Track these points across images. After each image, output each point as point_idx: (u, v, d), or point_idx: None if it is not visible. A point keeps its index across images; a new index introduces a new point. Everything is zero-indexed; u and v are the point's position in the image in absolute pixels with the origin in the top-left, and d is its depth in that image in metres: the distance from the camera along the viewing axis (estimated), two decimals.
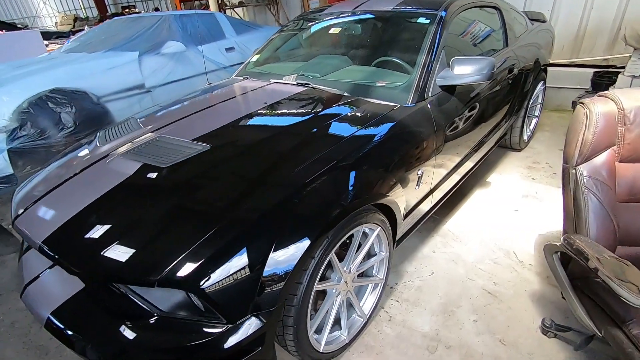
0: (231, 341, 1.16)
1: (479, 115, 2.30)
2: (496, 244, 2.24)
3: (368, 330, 1.74)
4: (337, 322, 1.60)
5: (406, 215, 1.84)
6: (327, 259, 1.35)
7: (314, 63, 2.40)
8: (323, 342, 1.47)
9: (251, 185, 1.33)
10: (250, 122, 1.75)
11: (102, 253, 1.15)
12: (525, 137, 3.39)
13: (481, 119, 2.35)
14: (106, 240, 1.18)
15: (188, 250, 1.12)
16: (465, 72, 1.88)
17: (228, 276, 1.12)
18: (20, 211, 1.39)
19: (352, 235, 1.50)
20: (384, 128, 1.66)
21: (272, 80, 2.27)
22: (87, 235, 1.21)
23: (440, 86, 1.95)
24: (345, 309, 1.58)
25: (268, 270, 1.17)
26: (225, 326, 1.16)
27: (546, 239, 2.26)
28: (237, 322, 1.17)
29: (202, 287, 1.10)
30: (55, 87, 2.75)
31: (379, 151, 1.58)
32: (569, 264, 1.37)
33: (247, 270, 1.15)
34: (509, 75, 2.62)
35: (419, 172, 1.78)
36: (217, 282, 1.11)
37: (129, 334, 1.16)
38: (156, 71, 3.40)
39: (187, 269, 1.10)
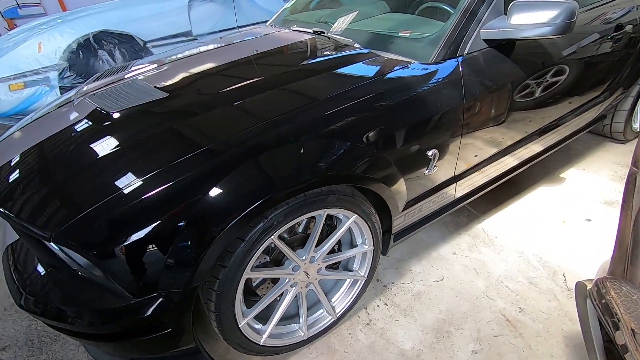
0: (134, 315, 1.02)
1: (553, 86, 1.70)
2: (541, 259, 1.72)
3: (338, 329, 1.48)
4: (299, 313, 1.38)
5: (409, 205, 1.47)
6: (266, 243, 1.10)
7: (346, 10, 2.01)
8: (265, 335, 1.27)
9: (192, 139, 1.12)
10: (226, 70, 1.51)
11: (15, 200, 1.08)
12: (636, 126, 2.54)
13: (556, 92, 1.74)
14: (22, 188, 1.11)
15: (88, 209, 0.97)
16: (527, 21, 1.34)
17: (130, 244, 0.96)
18: None
19: (314, 218, 1.22)
20: (385, 90, 1.28)
21: (290, 29, 1.96)
22: (10, 182, 1.15)
23: (486, 40, 1.44)
24: (304, 302, 1.34)
25: (180, 244, 0.98)
26: (131, 299, 1.02)
27: None
28: (142, 298, 1.02)
29: (96, 253, 0.96)
30: (103, 30, 2.84)
31: (368, 119, 1.22)
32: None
33: (156, 240, 0.97)
34: (616, 34, 1.88)
35: (431, 153, 1.36)
36: (117, 249, 0.96)
37: (45, 280, 1.11)
38: (205, 18, 3.31)
39: (84, 230, 0.97)
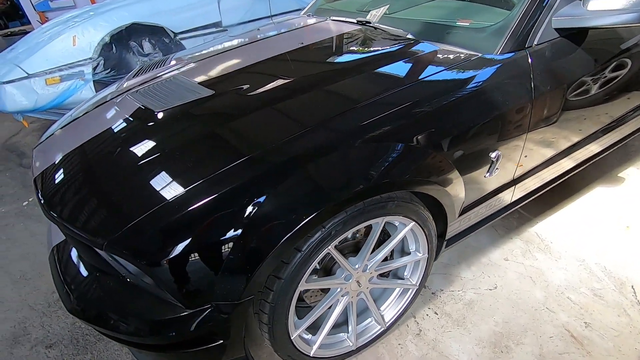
0: (186, 327, 0.98)
1: (626, 79, 1.54)
2: (605, 269, 1.59)
3: (387, 339, 1.41)
4: (347, 321, 1.31)
5: (465, 210, 1.36)
6: (323, 253, 1.03)
7: None
8: (315, 346, 1.21)
9: (242, 144, 1.05)
10: (272, 66, 1.43)
11: (63, 204, 1.05)
12: None
13: (628, 87, 1.58)
14: (70, 192, 1.07)
15: (141, 217, 0.92)
16: (606, 7, 1.19)
17: (184, 254, 0.91)
18: (37, 143, 1.39)
19: (370, 226, 1.14)
20: (446, 86, 1.17)
21: (330, 18, 1.86)
22: (57, 183, 1.12)
23: (558, 29, 1.30)
24: (354, 311, 1.27)
25: (236, 255, 0.92)
26: (183, 310, 0.98)
27: None
28: (195, 310, 0.97)
29: (149, 262, 0.91)
30: (135, 22, 2.80)
31: (429, 119, 1.12)
32: None
33: (211, 251, 0.92)
34: None
35: (494, 155, 1.25)
36: (171, 259, 0.91)
37: (94, 286, 1.08)
38: (235, 8, 3.23)
39: (137, 239, 0.92)
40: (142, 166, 1.05)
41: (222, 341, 1.03)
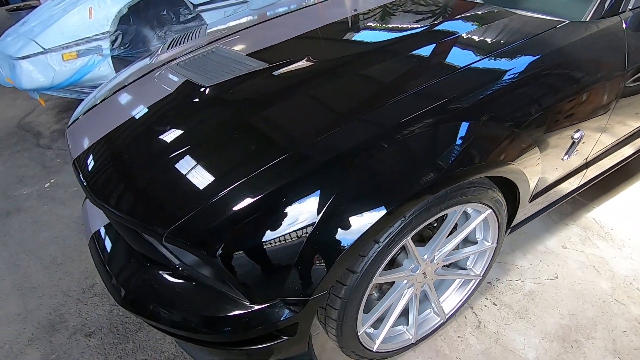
0: (251, 324, 0.89)
1: None
2: None
3: (445, 331, 1.33)
4: (404, 313, 1.23)
5: (537, 196, 1.25)
6: (400, 244, 0.93)
7: None
8: (379, 341, 1.13)
9: (308, 122, 0.93)
10: (328, 34, 1.29)
11: (111, 190, 0.95)
12: None
13: None
14: (118, 175, 0.97)
15: (203, 206, 0.82)
16: None
17: (253, 246, 0.82)
18: (71, 121, 1.28)
19: (444, 215, 1.03)
20: (528, 58, 1.03)
21: None
22: (100, 167, 1.01)
23: None
24: (417, 303, 1.19)
25: (308, 249, 0.82)
26: (247, 306, 0.89)
27: None
28: (262, 306, 0.88)
29: (214, 254, 0.82)
30: None
31: (512, 95, 1.00)
32: None
33: (279, 243, 0.82)
34: None
35: (577, 135, 1.13)
36: (237, 251, 0.82)
37: (145, 278, 0.99)
38: None
39: (200, 228, 0.82)
40: (197, 150, 0.94)
41: (287, 338, 0.95)
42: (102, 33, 2.55)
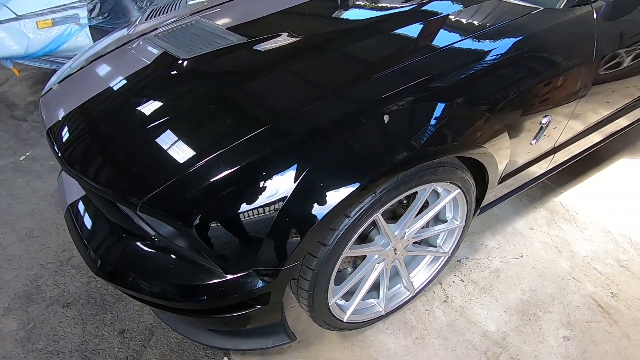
0: (225, 293, 0.93)
1: None
2: (631, 240, 1.58)
3: (414, 305, 1.40)
4: (375, 287, 1.29)
5: (505, 178, 1.31)
6: (370, 220, 0.97)
7: None
8: (349, 312, 1.19)
9: (284, 97, 0.95)
10: (311, 10, 1.28)
11: (86, 160, 0.95)
12: None
13: None
14: (93, 145, 0.97)
15: (179, 176, 0.84)
16: None
17: (227, 217, 0.84)
18: (44, 91, 1.25)
19: (414, 193, 1.08)
20: (505, 43, 1.06)
21: None
22: (75, 137, 1.01)
23: None
24: (387, 278, 1.24)
25: (281, 221, 0.85)
26: (221, 275, 0.92)
27: None
28: (235, 276, 0.92)
29: (189, 224, 0.84)
30: None
31: (487, 78, 1.03)
32: None
33: (252, 214, 0.85)
34: None
35: (545, 120, 1.18)
36: (211, 222, 0.84)
37: (121, 248, 1.01)
38: None
39: (176, 199, 0.84)
40: (174, 122, 0.95)
41: (260, 307, 0.99)
42: (79, 1, 2.44)
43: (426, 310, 1.39)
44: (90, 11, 2.49)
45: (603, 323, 1.31)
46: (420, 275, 1.37)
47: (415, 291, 1.36)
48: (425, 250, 1.32)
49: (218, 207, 0.84)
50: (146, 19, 1.46)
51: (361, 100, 0.92)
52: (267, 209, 0.84)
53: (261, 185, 0.83)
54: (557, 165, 1.55)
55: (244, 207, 0.83)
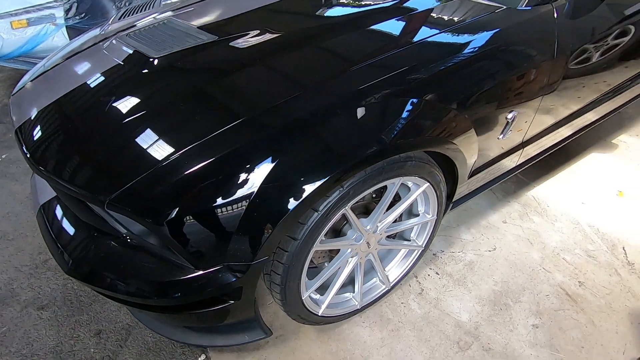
0: (196, 288, 0.94)
1: (633, 45, 1.50)
2: (598, 231, 1.64)
3: (390, 298, 1.43)
4: (351, 281, 1.31)
5: (475, 173, 1.34)
6: (339, 214, 0.99)
7: None
8: (324, 306, 1.21)
9: (253, 92, 0.96)
10: (285, 7, 1.30)
11: (54, 159, 0.95)
12: None
13: (632, 52, 1.54)
14: (61, 143, 0.97)
15: (146, 173, 0.85)
16: None
17: (195, 213, 0.85)
18: (15, 90, 1.24)
19: (384, 187, 1.10)
20: (473, 40, 1.10)
21: None
22: (43, 136, 1.00)
23: None
24: (362, 271, 1.26)
25: (252, 214, 0.86)
26: (192, 271, 0.93)
27: None
28: (206, 271, 0.93)
29: (157, 221, 0.85)
30: None
31: (455, 74, 1.06)
32: None
33: (224, 209, 0.86)
34: None
35: (510, 116, 1.21)
36: (180, 218, 0.85)
37: (92, 247, 1.01)
38: None
39: (142, 196, 0.85)
40: (142, 118, 0.95)
41: (232, 302, 1.00)
42: (55, 1, 2.41)
43: (402, 303, 1.42)
44: (67, 11, 2.46)
45: (570, 311, 1.36)
46: (395, 269, 1.40)
47: (391, 285, 1.38)
48: (399, 244, 1.35)
49: (187, 203, 0.85)
50: (119, 19, 1.46)
51: (332, 95, 0.94)
52: (235, 203, 0.85)
53: (227, 181, 0.85)
54: (528, 159, 1.60)
55: (213, 202, 0.85)
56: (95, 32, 1.44)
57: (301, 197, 0.86)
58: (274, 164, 0.86)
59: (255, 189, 0.85)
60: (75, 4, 2.48)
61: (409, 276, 1.49)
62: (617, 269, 1.49)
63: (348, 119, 0.92)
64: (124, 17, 1.45)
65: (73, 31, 2.53)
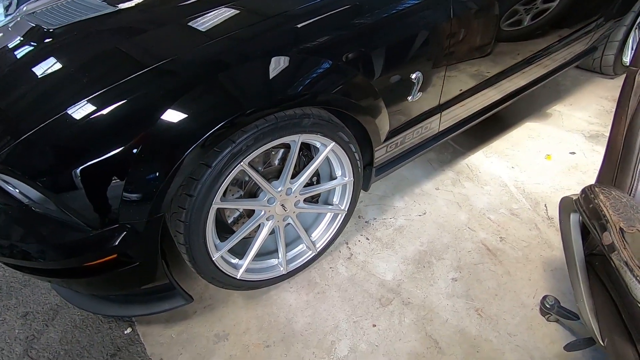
0: (94, 248, 0.95)
1: (542, 10, 1.57)
2: (524, 191, 1.70)
3: (319, 264, 1.46)
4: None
5: (392, 136, 1.39)
6: (235, 170, 1.02)
7: None
8: (242, 269, 1.23)
9: (145, 55, 0.98)
10: None
11: None
12: (626, 59, 2.46)
13: (544, 18, 1.62)
14: None
15: (31, 131, 0.86)
16: None
17: (81, 171, 0.87)
18: None
19: (288, 146, 1.13)
20: (364, 3, 1.14)
21: None
22: None
23: None
24: (282, 236, 1.29)
25: (138, 170, 0.88)
26: (90, 231, 0.94)
27: None
28: (102, 230, 0.94)
29: (44, 180, 0.86)
30: None
31: (346, 36, 1.10)
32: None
33: (110, 167, 0.88)
34: None
35: (414, 76, 1.26)
36: (67, 177, 0.86)
37: None
38: None
39: (28, 155, 0.86)
40: (35, 83, 0.97)
41: (138, 263, 1.02)
42: None
43: (330, 267, 1.45)
44: (7, 7, 2.44)
45: (489, 264, 1.41)
46: (322, 234, 1.43)
47: (318, 250, 1.41)
48: (319, 208, 1.38)
49: (72, 161, 0.86)
50: (35, 1, 1.46)
51: (207, 58, 0.97)
52: (121, 159, 0.87)
53: (112, 136, 0.87)
54: (455, 124, 1.65)
55: (98, 160, 0.86)
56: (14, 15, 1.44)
57: (189, 147, 0.88)
58: (158, 120, 0.88)
59: (141, 145, 0.87)
60: (15, 1, 2.46)
61: (340, 243, 1.53)
62: (537, 223, 1.55)
63: (229, 77, 0.95)
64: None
65: None
